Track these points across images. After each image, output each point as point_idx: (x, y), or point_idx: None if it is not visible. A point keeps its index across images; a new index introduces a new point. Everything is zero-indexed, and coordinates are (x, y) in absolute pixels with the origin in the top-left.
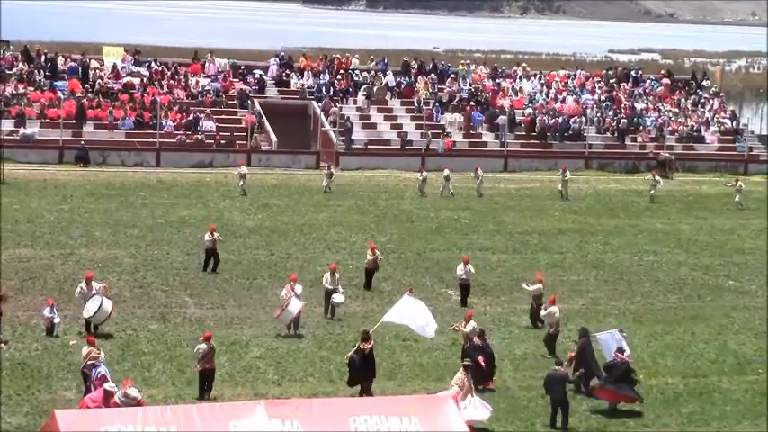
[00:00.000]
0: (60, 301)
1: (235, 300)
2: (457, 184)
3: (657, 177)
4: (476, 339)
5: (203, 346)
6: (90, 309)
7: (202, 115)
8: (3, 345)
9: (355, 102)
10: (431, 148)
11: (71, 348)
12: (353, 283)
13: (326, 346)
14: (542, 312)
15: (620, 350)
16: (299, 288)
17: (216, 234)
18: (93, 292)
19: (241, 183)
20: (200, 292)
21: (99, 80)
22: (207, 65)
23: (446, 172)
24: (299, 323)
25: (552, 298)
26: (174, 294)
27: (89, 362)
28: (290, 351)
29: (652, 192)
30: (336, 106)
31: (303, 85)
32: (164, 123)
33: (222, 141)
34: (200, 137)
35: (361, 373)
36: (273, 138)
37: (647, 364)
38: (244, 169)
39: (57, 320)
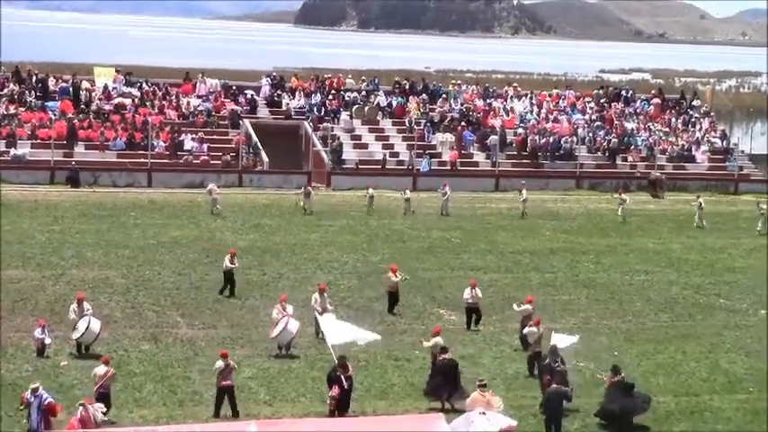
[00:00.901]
0: (51, 322)
1: (227, 320)
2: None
3: (624, 196)
4: (440, 356)
5: (220, 363)
6: (79, 329)
7: (196, 136)
8: None
9: (347, 122)
10: (414, 168)
11: (62, 369)
12: (345, 302)
13: (318, 367)
14: (524, 330)
15: (616, 369)
16: (290, 308)
17: (236, 260)
18: (85, 312)
19: (210, 201)
20: (192, 313)
21: (92, 101)
22: (198, 85)
23: (407, 192)
24: (291, 343)
25: (536, 320)
26: (166, 315)
27: (105, 382)
28: (282, 371)
29: (620, 212)
30: (328, 125)
31: (289, 104)
32: (155, 144)
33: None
34: (210, 157)
35: (343, 406)
36: (265, 158)
37: (639, 382)
38: (212, 186)
39: (48, 341)
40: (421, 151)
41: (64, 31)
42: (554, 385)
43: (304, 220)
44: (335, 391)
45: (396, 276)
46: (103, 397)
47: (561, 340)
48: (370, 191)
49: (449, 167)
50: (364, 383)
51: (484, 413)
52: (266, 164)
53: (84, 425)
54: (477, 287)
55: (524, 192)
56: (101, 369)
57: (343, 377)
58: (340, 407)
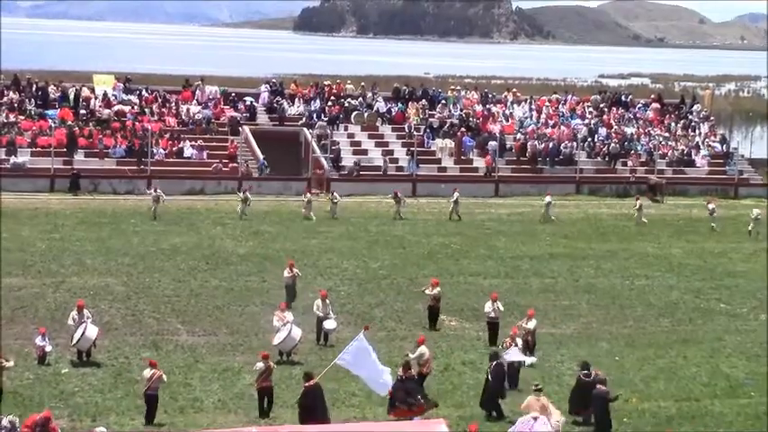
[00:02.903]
0: (52, 330)
1: (227, 327)
2: (447, 210)
3: (549, 198)
4: (399, 371)
5: (260, 364)
6: (75, 335)
7: (196, 143)
8: None
9: (346, 128)
10: (388, 173)
11: (63, 377)
12: (346, 309)
13: (319, 373)
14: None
15: (586, 365)
16: (289, 315)
17: (295, 269)
18: (84, 320)
19: (153, 207)
20: (192, 320)
21: (92, 109)
22: (198, 92)
23: (336, 196)
24: (293, 350)
25: (511, 336)
26: (166, 322)
27: (153, 384)
28: (283, 378)
29: (543, 211)
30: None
31: (284, 109)
32: (155, 151)
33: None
34: (238, 165)
35: (314, 414)
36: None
37: (640, 387)
38: (158, 192)
39: (48, 349)
40: (430, 157)
41: (64, 38)
42: (599, 387)
43: (304, 226)
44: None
45: (435, 289)
46: (151, 399)
47: (512, 355)
48: (308, 195)
49: (449, 174)
50: (365, 390)
51: (536, 417)
52: (266, 171)
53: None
54: (498, 301)
55: (456, 194)
56: (147, 371)
57: (304, 388)
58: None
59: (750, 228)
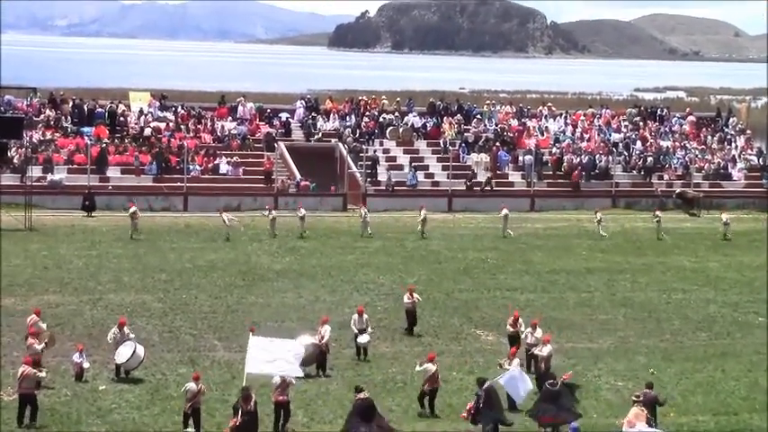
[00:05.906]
0: (89, 347)
1: None
2: (483, 225)
3: (659, 213)
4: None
5: (277, 378)
6: (124, 354)
7: (231, 160)
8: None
9: (381, 143)
10: (394, 189)
11: (100, 393)
12: (382, 324)
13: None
14: (505, 366)
15: (552, 377)
16: (326, 329)
17: (415, 295)
18: (126, 338)
19: (131, 225)
20: (229, 336)
21: (127, 126)
22: (239, 108)
23: (302, 211)
24: (326, 365)
25: (513, 351)
26: (203, 338)
27: (199, 397)
28: (320, 393)
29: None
30: (363, 147)
31: (320, 126)
32: (190, 168)
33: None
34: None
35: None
36: (298, 177)
37: (678, 401)
38: (135, 209)
39: (86, 366)
40: (466, 172)
41: (100, 56)
42: (644, 390)
43: (340, 242)
44: (232, 421)
45: (512, 327)
46: (196, 412)
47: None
48: (273, 212)
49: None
50: (402, 405)
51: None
52: (301, 186)
53: None
54: (538, 327)
55: (424, 211)
56: (192, 385)
57: (242, 409)
58: None
59: None
